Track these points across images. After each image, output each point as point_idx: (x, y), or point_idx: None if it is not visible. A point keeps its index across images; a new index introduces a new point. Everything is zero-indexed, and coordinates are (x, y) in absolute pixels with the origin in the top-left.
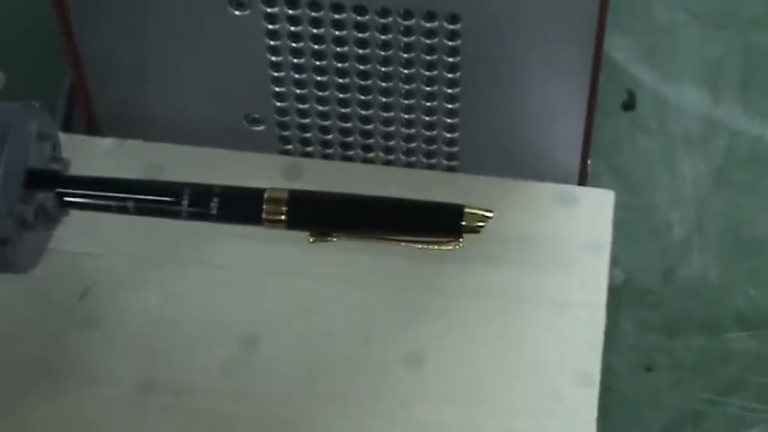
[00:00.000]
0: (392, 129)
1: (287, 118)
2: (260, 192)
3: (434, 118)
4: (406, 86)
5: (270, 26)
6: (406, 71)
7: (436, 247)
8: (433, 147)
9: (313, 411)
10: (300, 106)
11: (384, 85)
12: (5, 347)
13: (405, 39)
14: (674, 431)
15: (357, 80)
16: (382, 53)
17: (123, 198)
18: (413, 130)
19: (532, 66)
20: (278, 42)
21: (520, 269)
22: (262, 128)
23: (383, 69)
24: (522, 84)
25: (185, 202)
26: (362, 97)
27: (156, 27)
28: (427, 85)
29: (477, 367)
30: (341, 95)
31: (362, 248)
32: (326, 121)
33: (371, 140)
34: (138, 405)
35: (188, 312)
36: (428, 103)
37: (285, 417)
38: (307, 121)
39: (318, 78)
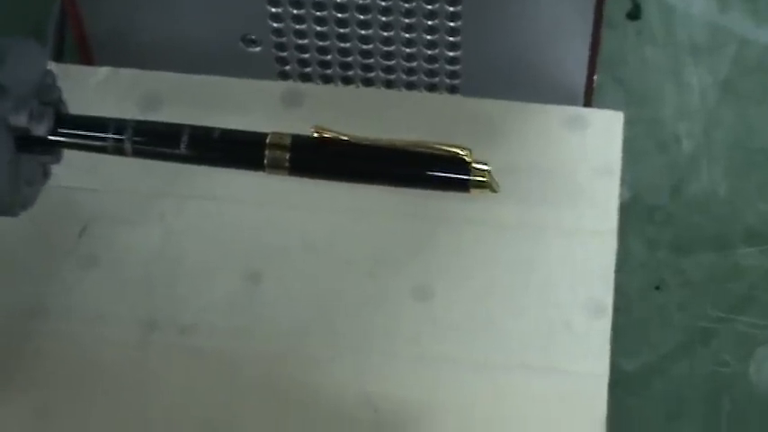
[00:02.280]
0: (392, 48)
1: (284, 39)
2: (262, 137)
3: (436, 36)
4: (405, 5)
5: None
6: None
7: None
8: (435, 66)
9: (319, 347)
10: (298, 26)
11: (383, 3)
12: (4, 289)
13: None
14: (683, 350)
15: None
16: None
17: (119, 140)
18: (414, 49)
19: None
20: None
21: (528, 197)
22: (258, 49)
23: None
24: None
25: (183, 145)
26: (361, 17)
27: None
28: (428, 3)
29: (487, 299)
30: (339, 15)
31: None
32: (325, 41)
33: (371, 60)
34: (142, 344)
35: (189, 248)
36: (429, 22)
37: (291, 353)
38: (305, 41)
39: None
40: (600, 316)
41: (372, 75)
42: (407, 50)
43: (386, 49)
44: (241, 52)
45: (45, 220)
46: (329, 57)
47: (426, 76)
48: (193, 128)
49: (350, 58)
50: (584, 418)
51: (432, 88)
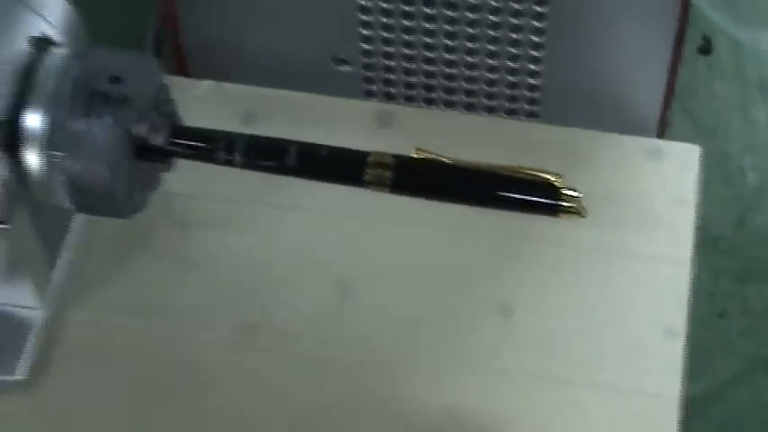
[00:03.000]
0: (475, 73)
1: (373, 60)
2: (365, 155)
3: (518, 64)
4: (492, 32)
5: None
6: (492, 17)
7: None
8: (516, 92)
9: (403, 358)
10: (387, 48)
11: (470, 31)
12: (108, 290)
13: None
14: (745, 378)
15: (444, 26)
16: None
17: (230, 152)
18: (496, 75)
19: (617, 10)
20: None
21: (607, 223)
22: (348, 68)
23: (470, 16)
24: (606, 29)
25: (290, 160)
26: (448, 42)
27: None
28: (513, 32)
29: (564, 318)
30: (427, 39)
31: None
32: (411, 63)
33: (455, 84)
34: (235, 347)
35: (283, 255)
36: (513, 49)
37: (376, 362)
38: (392, 63)
39: (405, 23)
40: (673, 339)
41: (455, 98)
42: (490, 76)
43: (469, 73)
44: (331, 71)
45: (145, 224)
46: (414, 79)
47: (507, 101)
48: (301, 144)
49: (434, 81)
50: None
51: (511, 113)
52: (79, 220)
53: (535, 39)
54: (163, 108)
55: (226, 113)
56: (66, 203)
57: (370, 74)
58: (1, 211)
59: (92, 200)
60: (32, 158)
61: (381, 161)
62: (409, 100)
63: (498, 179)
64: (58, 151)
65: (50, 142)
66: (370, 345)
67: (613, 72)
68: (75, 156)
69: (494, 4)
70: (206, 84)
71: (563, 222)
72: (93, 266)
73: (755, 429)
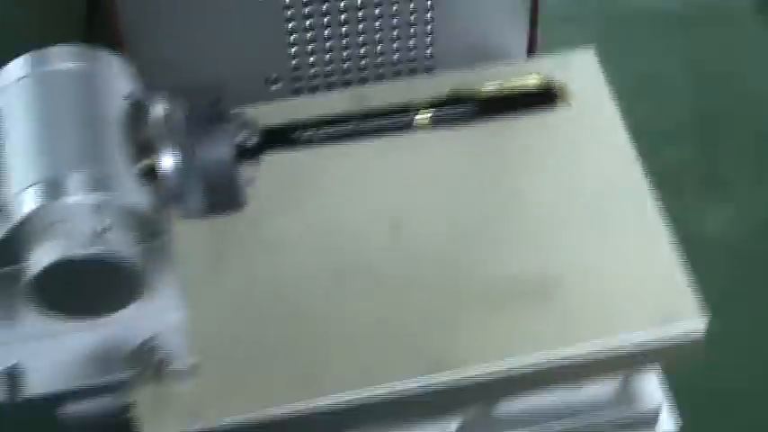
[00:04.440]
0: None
1: (301, 73)
2: (408, 107)
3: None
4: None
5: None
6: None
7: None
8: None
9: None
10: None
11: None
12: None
13: None
14: None
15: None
16: None
17: (309, 135)
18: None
19: None
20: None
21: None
22: (278, 87)
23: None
24: None
25: (352, 127)
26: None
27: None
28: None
29: (572, 204)
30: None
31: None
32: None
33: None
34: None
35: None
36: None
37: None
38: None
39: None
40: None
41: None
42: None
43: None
44: (263, 90)
45: None
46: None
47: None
48: (358, 115)
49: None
50: None
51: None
52: None
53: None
54: (245, 118)
55: None
56: (199, 208)
57: (298, 86)
58: (164, 225)
59: (219, 197)
60: (172, 177)
61: (422, 106)
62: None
63: (507, 97)
64: (193, 163)
65: (186, 161)
66: (428, 282)
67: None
68: (210, 163)
69: None
70: None
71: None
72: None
73: None
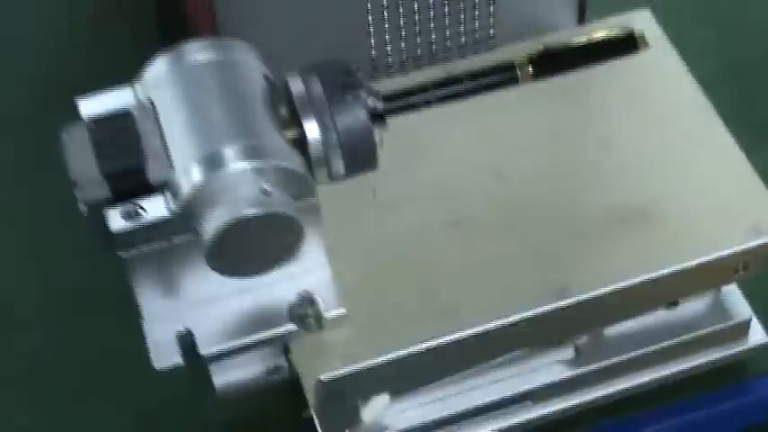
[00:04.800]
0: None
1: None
2: (511, 63)
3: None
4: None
5: None
6: None
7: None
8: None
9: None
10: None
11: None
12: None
13: None
14: None
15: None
16: None
17: (428, 98)
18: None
19: None
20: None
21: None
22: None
23: None
24: None
25: (466, 85)
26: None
27: None
28: None
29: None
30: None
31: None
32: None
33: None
34: (443, 229)
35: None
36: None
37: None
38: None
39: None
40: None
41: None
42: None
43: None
44: None
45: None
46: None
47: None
48: (466, 75)
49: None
50: None
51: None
52: None
53: None
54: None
55: None
56: (341, 171)
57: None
58: (313, 191)
59: (358, 159)
60: (317, 145)
61: (521, 62)
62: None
63: (595, 46)
64: (336, 131)
65: (329, 128)
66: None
67: None
68: (349, 129)
69: None
70: None
71: None
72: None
73: None
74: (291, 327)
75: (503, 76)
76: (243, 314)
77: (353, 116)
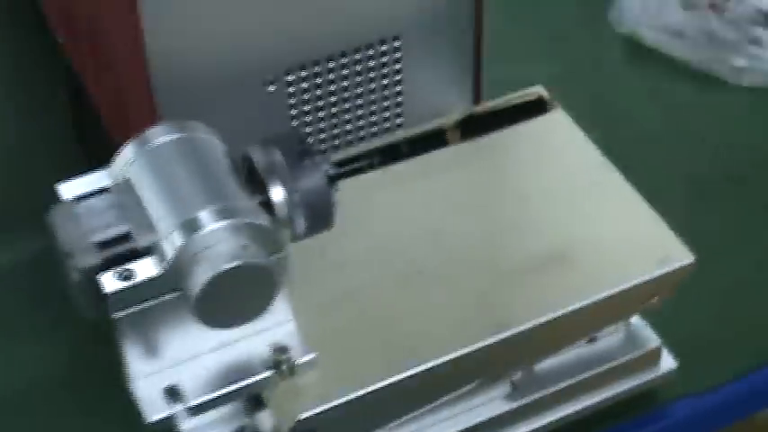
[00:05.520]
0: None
1: None
2: (441, 129)
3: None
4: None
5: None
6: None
7: None
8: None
9: None
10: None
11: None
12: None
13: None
14: None
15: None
16: None
17: (371, 163)
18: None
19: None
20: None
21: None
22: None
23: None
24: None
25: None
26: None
27: None
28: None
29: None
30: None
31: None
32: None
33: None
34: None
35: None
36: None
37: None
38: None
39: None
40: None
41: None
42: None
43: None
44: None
45: None
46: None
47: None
48: (405, 141)
49: None
50: None
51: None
52: None
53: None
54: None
55: None
56: (302, 230)
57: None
58: (283, 246)
59: (318, 218)
60: (282, 207)
61: (450, 127)
62: None
63: (512, 109)
64: (298, 194)
65: (292, 192)
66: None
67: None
68: (310, 190)
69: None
70: None
71: None
72: None
73: None
74: (267, 374)
75: (434, 140)
76: (223, 366)
77: (312, 179)
